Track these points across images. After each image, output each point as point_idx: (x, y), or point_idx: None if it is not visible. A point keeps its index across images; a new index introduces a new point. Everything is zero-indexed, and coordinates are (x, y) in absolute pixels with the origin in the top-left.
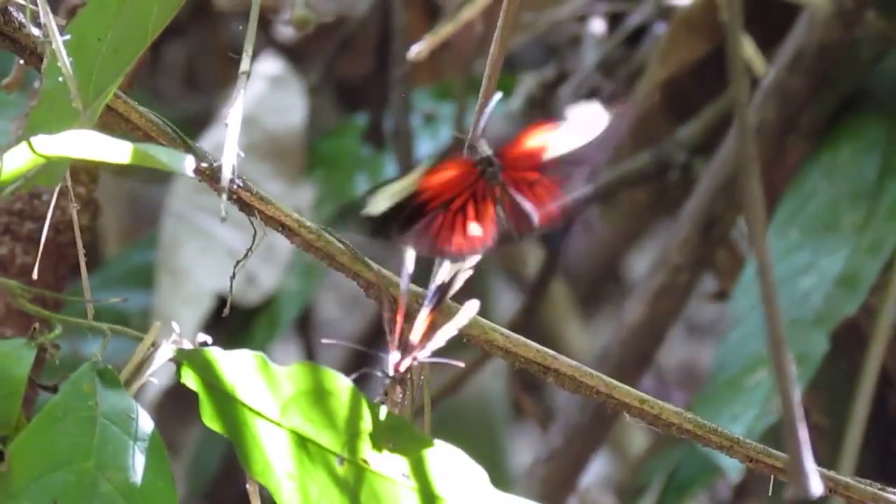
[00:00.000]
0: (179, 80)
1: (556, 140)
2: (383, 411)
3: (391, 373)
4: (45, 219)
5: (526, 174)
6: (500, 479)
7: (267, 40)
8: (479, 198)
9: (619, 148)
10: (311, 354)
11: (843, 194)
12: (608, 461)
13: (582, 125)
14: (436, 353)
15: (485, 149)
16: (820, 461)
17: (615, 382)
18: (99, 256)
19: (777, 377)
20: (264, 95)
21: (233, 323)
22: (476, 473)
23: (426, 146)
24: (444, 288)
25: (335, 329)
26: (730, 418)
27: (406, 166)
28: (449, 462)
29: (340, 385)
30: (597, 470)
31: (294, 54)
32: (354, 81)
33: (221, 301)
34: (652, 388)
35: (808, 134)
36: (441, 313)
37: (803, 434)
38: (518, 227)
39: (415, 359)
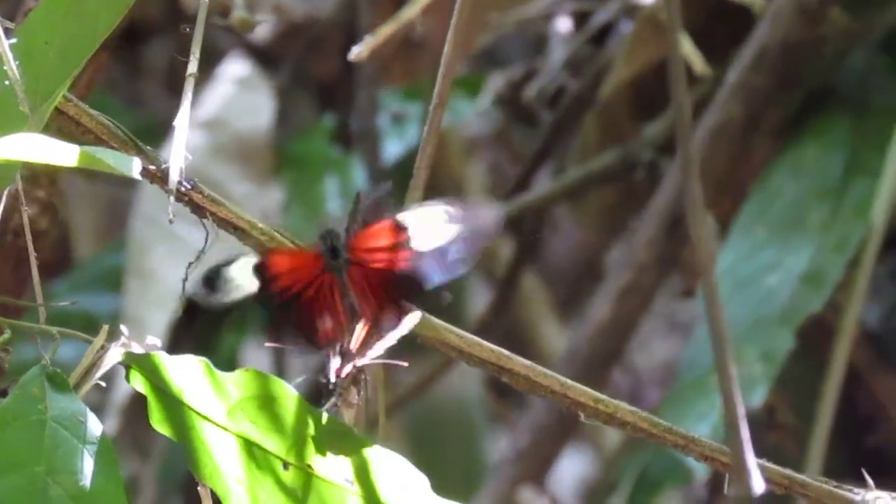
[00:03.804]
0: (161, 82)
1: (417, 233)
2: (325, 417)
3: (333, 379)
4: (4, 222)
5: (376, 267)
6: (478, 480)
7: (236, 42)
8: (325, 290)
9: (586, 147)
10: (281, 359)
11: (808, 192)
12: (586, 459)
13: (444, 221)
14: (395, 354)
15: (338, 239)
16: (788, 459)
17: (570, 382)
18: (71, 260)
19: (719, 374)
20: (232, 97)
21: (202, 326)
22: (418, 480)
23: (395, 147)
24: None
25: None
26: (696, 417)
27: (374, 168)
28: (392, 468)
29: (286, 391)
30: (574, 468)
31: (265, 56)
32: (327, 82)
33: (191, 304)
34: (627, 386)
35: (773, 132)
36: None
37: (745, 432)
38: (370, 319)
39: (354, 365)
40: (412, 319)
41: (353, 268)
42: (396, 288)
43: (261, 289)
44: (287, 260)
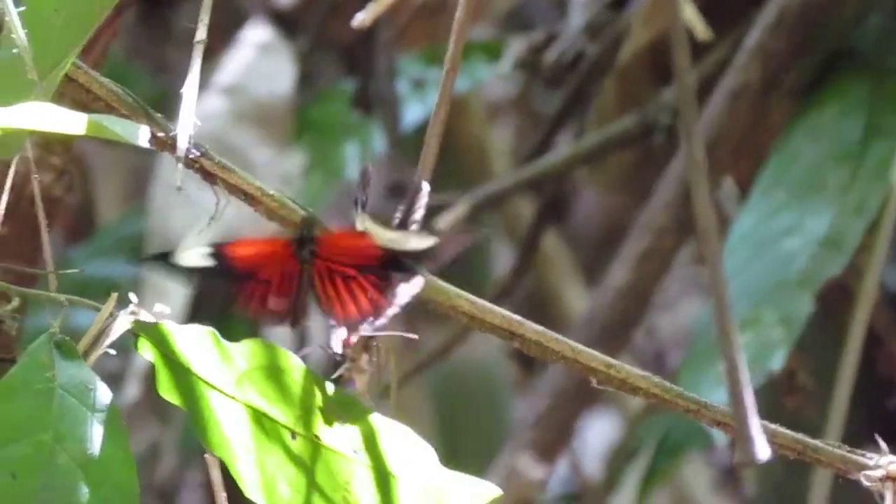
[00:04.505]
0: (189, 49)
1: (386, 244)
2: (331, 387)
3: (338, 350)
4: (19, 190)
5: (342, 269)
6: (502, 445)
7: (258, 6)
8: (286, 275)
9: (605, 111)
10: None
11: (827, 155)
12: (610, 422)
13: (417, 238)
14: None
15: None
16: (808, 423)
17: (581, 347)
18: (95, 226)
19: (721, 341)
20: (253, 63)
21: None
22: (426, 451)
23: (414, 112)
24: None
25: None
26: (714, 381)
27: (393, 133)
28: (398, 440)
29: (292, 362)
30: (598, 431)
31: (286, 20)
32: (348, 47)
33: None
34: (651, 349)
35: (792, 95)
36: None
37: (749, 398)
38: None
39: (362, 334)
40: (416, 286)
41: (319, 261)
42: (361, 292)
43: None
44: (254, 244)
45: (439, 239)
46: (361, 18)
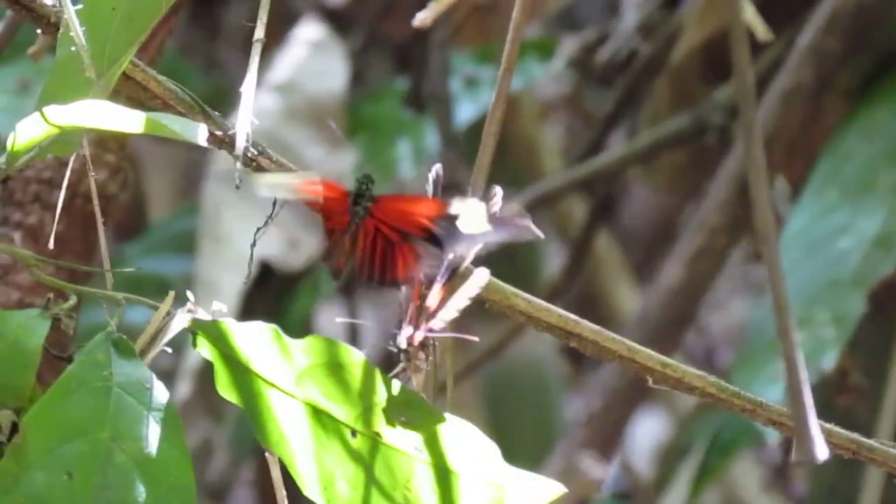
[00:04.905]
0: (238, 45)
1: (441, 216)
2: (396, 385)
3: (404, 347)
4: (74, 187)
5: (388, 231)
6: (553, 443)
7: (312, 4)
8: (339, 227)
9: (658, 110)
10: (353, 322)
11: (880, 154)
12: (659, 421)
13: (476, 216)
14: (467, 317)
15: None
16: (860, 422)
17: (637, 346)
18: (146, 223)
19: (781, 340)
20: (306, 61)
21: (276, 289)
22: (489, 448)
23: (467, 110)
24: (456, 261)
25: (378, 295)
26: (766, 381)
27: (446, 131)
28: (461, 437)
29: (354, 358)
30: (649, 430)
31: (339, 18)
32: (401, 44)
33: (265, 267)
34: (701, 349)
35: (844, 95)
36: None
37: (808, 398)
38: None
39: (428, 332)
40: (480, 280)
41: (370, 219)
42: (401, 258)
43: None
44: (325, 191)
45: (504, 216)
46: (422, 17)
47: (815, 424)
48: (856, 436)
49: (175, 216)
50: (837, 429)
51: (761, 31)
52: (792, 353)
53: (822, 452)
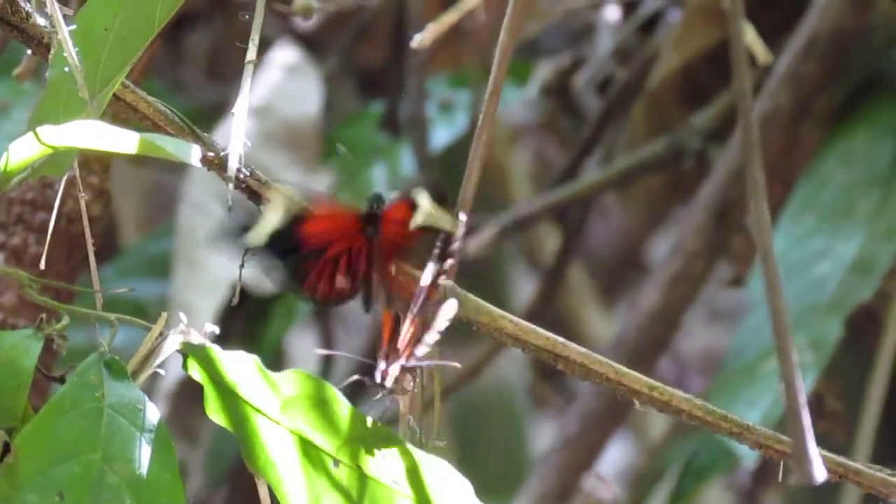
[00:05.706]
0: (202, 69)
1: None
2: (369, 421)
3: (378, 381)
4: (58, 209)
5: (398, 244)
6: (522, 468)
7: (284, 29)
8: (354, 252)
9: (635, 135)
10: (329, 344)
11: (858, 180)
12: (629, 447)
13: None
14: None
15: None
16: (836, 447)
17: (625, 369)
18: (117, 246)
19: (780, 362)
20: (280, 84)
21: (250, 312)
22: (463, 485)
23: (442, 134)
24: (426, 292)
25: (354, 319)
26: (746, 405)
27: (422, 155)
28: (437, 473)
29: (336, 394)
30: (617, 456)
31: (312, 43)
32: (375, 69)
33: (239, 290)
34: (672, 374)
35: (822, 120)
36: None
37: (806, 420)
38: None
39: (403, 366)
40: (449, 310)
41: (382, 237)
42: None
43: (284, 237)
44: (325, 218)
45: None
46: (420, 39)
47: (813, 446)
48: (843, 459)
49: (148, 239)
50: (825, 452)
51: (762, 54)
52: (791, 375)
53: (820, 474)
